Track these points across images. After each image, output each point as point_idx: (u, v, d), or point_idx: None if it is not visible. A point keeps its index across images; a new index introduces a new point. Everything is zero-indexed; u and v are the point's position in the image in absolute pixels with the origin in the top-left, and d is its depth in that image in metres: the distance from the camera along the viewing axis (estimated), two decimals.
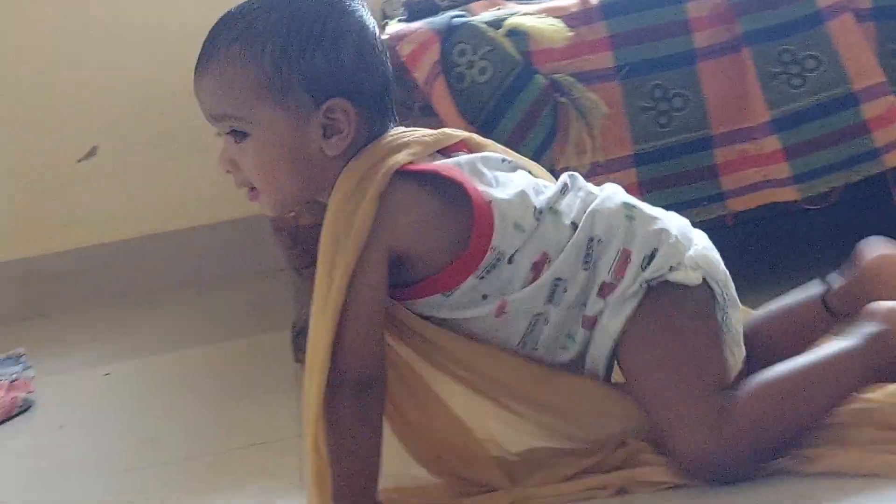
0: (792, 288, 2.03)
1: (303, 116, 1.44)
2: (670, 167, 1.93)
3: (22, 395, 2.14)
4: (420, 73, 1.91)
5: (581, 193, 1.51)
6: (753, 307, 1.89)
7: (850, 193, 1.96)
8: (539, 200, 1.47)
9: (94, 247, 2.72)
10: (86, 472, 1.83)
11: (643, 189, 1.91)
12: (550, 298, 1.45)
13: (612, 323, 1.45)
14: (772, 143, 1.92)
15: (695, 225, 1.93)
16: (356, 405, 1.41)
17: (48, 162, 2.71)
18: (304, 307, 2.03)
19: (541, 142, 1.91)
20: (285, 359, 2.06)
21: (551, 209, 1.47)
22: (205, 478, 1.72)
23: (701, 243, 1.53)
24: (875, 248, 1.63)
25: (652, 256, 1.46)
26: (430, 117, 1.93)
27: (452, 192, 1.44)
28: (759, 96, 1.91)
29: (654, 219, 1.50)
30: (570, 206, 1.49)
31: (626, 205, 1.49)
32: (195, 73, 1.48)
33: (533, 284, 1.45)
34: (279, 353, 2.11)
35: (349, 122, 1.45)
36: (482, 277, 1.44)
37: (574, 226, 1.47)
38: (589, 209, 1.48)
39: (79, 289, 2.71)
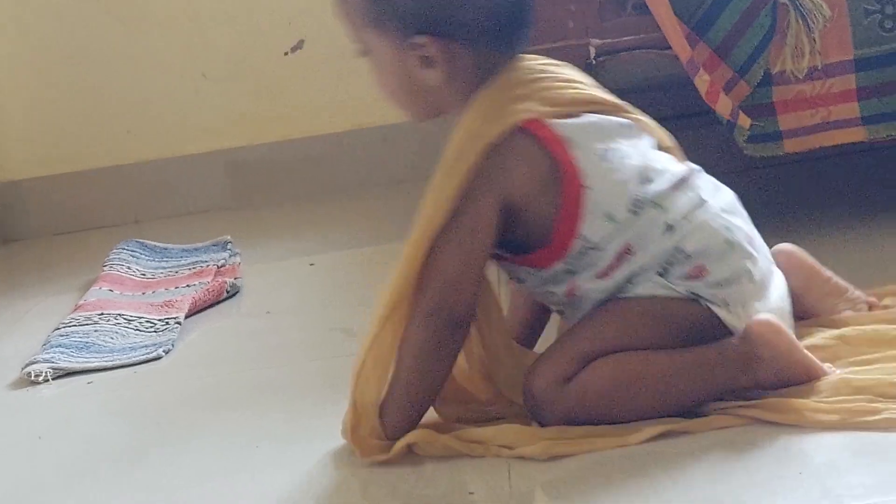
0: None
1: (399, 47, 1.44)
2: (893, 74, 1.86)
3: (230, 280, 2.20)
4: None
5: (692, 195, 1.44)
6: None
7: None
8: (642, 191, 1.42)
9: (300, 140, 2.76)
10: (291, 356, 1.87)
11: (862, 96, 1.85)
12: (618, 290, 1.44)
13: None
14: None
15: None
16: (444, 337, 1.43)
17: (256, 54, 2.75)
18: None
19: (757, 43, 1.86)
20: None
21: (655, 203, 1.42)
22: None
23: (776, 294, 1.47)
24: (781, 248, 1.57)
25: (721, 285, 1.42)
26: (644, 14, 1.90)
27: (555, 168, 1.42)
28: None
29: (749, 255, 1.44)
30: (675, 206, 1.43)
31: (728, 229, 1.44)
32: None
33: (608, 279, 1.43)
34: None
35: (441, 57, 1.44)
36: (569, 261, 1.43)
37: (670, 228, 1.42)
38: (694, 220, 1.43)
39: (285, 181, 2.77)
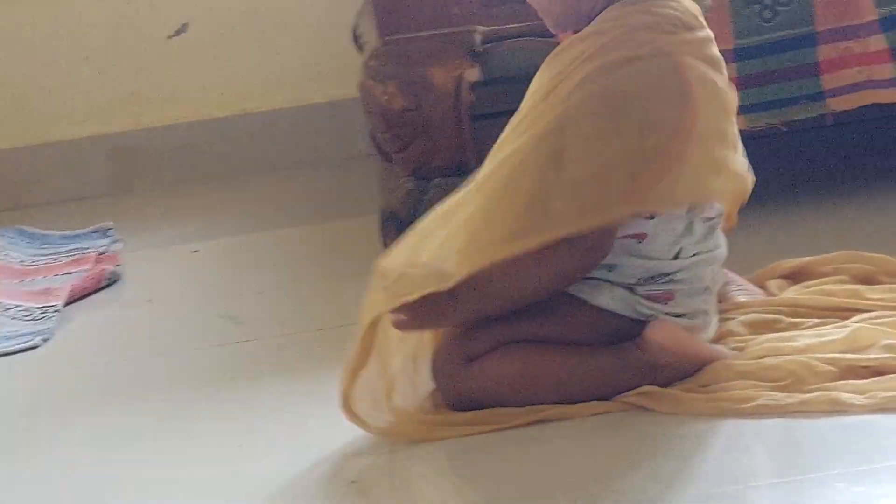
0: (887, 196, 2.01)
1: None
2: (771, 63, 1.90)
3: (111, 267, 2.16)
4: None
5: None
6: (845, 215, 1.87)
7: None
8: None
9: (183, 125, 2.72)
10: (171, 345, 1.85)
11: (742, 85, 1.88)
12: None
13: None
14: (877, 43, 1.88)
15: (793, 123, 1.92)
16: (581, 274, 1.41)
17: (139, 38, 2.71)
18: (391, 192, 2.04)
19: None
20: (371, 244, 2.05)
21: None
22: (293, 357, 1.74)
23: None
24: None
25: (678, 315, 1.44)
26: (527, 5, 1.90)
27: None
28: None
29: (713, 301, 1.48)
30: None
31: (714, 278, 1.47)
32: None
33: None
34: (364, 238, 2.11)
35: None
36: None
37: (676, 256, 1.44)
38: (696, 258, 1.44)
39: (167, 166, 2.73)
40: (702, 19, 1.45)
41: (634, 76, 1.39)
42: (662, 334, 1.40)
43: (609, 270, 1.42)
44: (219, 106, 2.73)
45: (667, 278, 1.43)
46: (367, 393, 1.45)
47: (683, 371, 1.41)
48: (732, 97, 1.47)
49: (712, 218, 1.45)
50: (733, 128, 1.45)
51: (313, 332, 1.80)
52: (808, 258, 1.66)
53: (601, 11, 1.44)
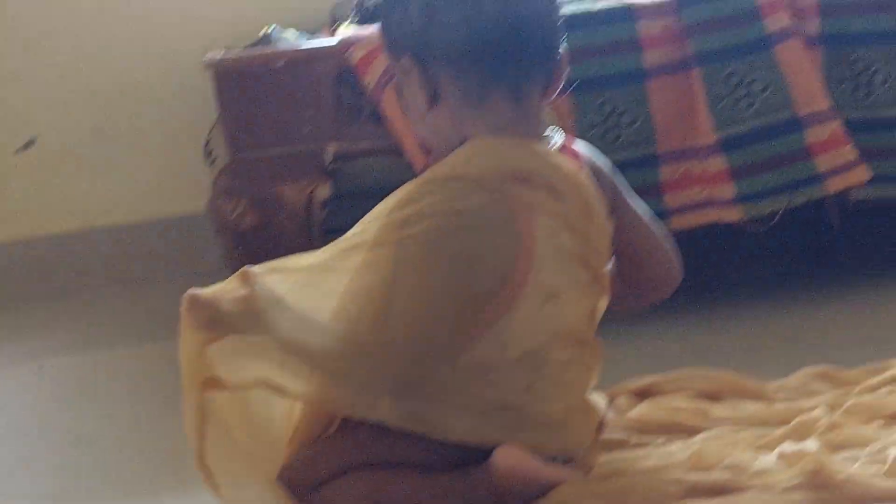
0: (728, 308, 2.07)
1: (400, 72, 1.45)
2: None
3: None
4: (370, 79, 1.91)
5: None
6: (689, 325, 1.92)
7: (790, 216, 1.98)
8: None
9: (29, 240, 2.68)
10: (13, 471, 1.79)
11: None
12: None
13: None
14: (717, 164, 1.94)
15: None
16: None
17: None
18: None
19: None
20: None
21: None
22: (138, 484, 1.71)
23: None
24: None
25: None
26: (379, 123, 1.93)
27: None
28: (707, 117, 1.94)
29: None
30: None
31: None
32: None
33: None
34: None
35: (423, 82, 1.41)
36: None
37: None
38: None
39: (12, 282, 2.67)
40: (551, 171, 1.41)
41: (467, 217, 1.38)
42: (509, 460, 1.39)
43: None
44: (65, 221, 2.70)
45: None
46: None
47: (532, 495, 1.41)
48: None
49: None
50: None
51: (162, 457, 1.77)
52: (654, 376, 1.68)
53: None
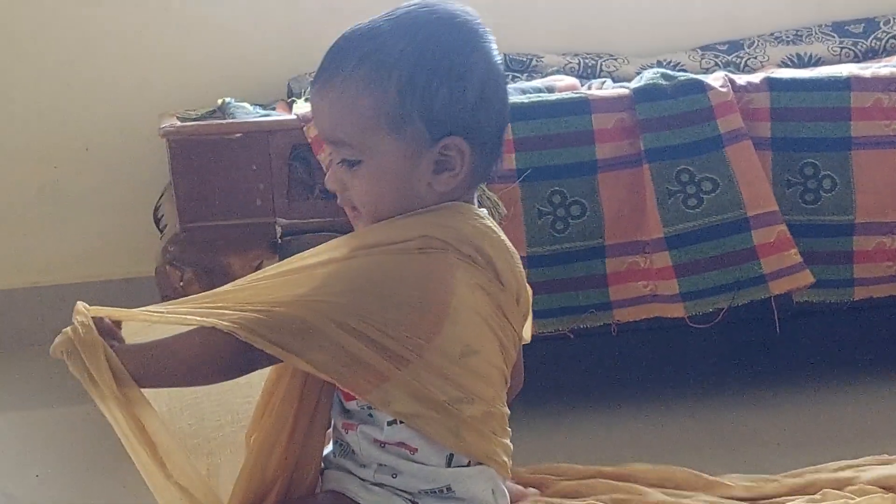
0: (667, 403, 2.09)
1: (417, 150, 1.39)
2: (561, 272, 1.96)
3: None
4: (324, 156, 1.93)
5: None
6: (628, 419, 1.93)
7: (735, 315, 2.01)
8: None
9: None
10: None
11: (533, 291, 1.93)
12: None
13: None
14: (662, 259, 1.97)
15: (580, 332, 1.99)
16: None
17: None
18: None
19: None
20: None
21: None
22: None
23: None
24: None
25: None
26: (330, 199, 1.94)
27: None
28: (655, 212, 1.96)
29: None
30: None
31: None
32: (313, 87, 1.43)
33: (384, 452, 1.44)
34: None
35: (462, 162, 1.40)
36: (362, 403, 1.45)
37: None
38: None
39: None
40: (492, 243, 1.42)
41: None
42: None
43: (393, 477, 1.42)
44: (9, 277, 2.68)
45: (447, 493, 1.42)
46: None
47: None
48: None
49: None
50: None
51: None
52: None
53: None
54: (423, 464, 1.40)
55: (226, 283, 1.91)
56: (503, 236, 1.44)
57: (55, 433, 2.15)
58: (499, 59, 1.45)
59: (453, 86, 1.40)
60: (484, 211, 1.45)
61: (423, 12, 1.43)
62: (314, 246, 2.00)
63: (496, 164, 1.48)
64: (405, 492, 1.41)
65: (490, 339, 1.40)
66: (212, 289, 1.88)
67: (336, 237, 1.93)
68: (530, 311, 1.49)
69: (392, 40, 1.40)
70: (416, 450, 1.40)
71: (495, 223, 1.45)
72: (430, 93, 1.39)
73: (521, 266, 1.45)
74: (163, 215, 2.37)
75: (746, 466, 1.81)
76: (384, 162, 1.40)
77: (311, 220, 1.97)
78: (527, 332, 1.51)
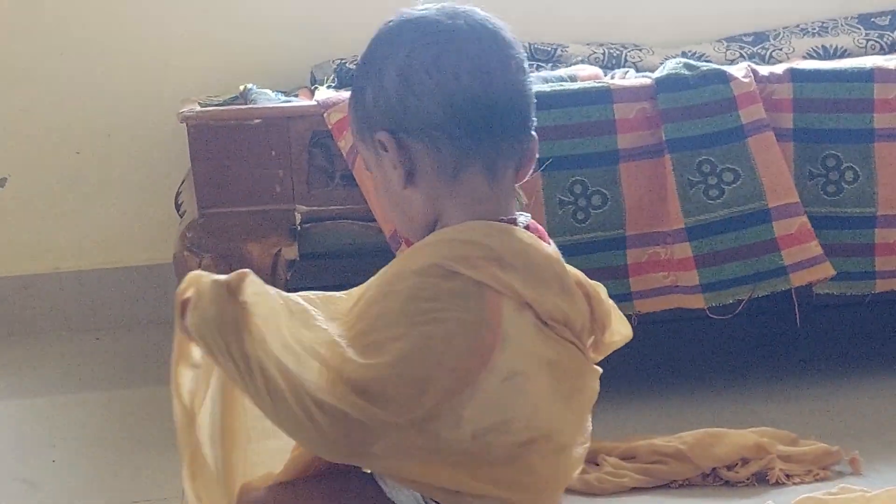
0: (687, 394, 2.08)
1: (374, 153, 1.41)
2: (581, 263, 1.91)
3: None
4: (345, 143, 1.92)
5: None
6: (646, 410, 1.92)
7: (755, 306, 2.00)
8: None
9: None
10: None
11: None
12: None
13: None
14: (683, 250, 1.96)
15: None
16: None
17: None
18: None
19: None
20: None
21: None
22: None
23: None
24: None
25: None
26: (350, 187, 1.94)
27: None
28: (676, 203, 1.95)
29: None
30: None
31: None
32: None
33: None
34: (169, 409, 2.08)
35: (399, 157, 1.38)
36: None
37: None
38: None
39: None
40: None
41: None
42: None
43: None
44: (31, 262, 2.69)
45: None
46: None
47: None
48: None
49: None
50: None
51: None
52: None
53: (435, 225, 1.42)
54: None
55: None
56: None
57: (73, 418, 2.15)
58: (433, 50, 1.40)
59: (374, 82, 1.41)
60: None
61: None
62: (333, 234, 2.02)
63: (492, 149, 1.44)
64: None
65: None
66: None
67: (353, 225, 1.96)
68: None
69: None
70: None
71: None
72: (361, 94, 1.41)
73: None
74: (183, 202, 2.37)
75: None
76: (369, 166, 1.44)
77: (331, 208, 1.97)
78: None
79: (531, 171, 1.47)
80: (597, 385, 1.43)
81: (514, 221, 1.43)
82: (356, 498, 1.42)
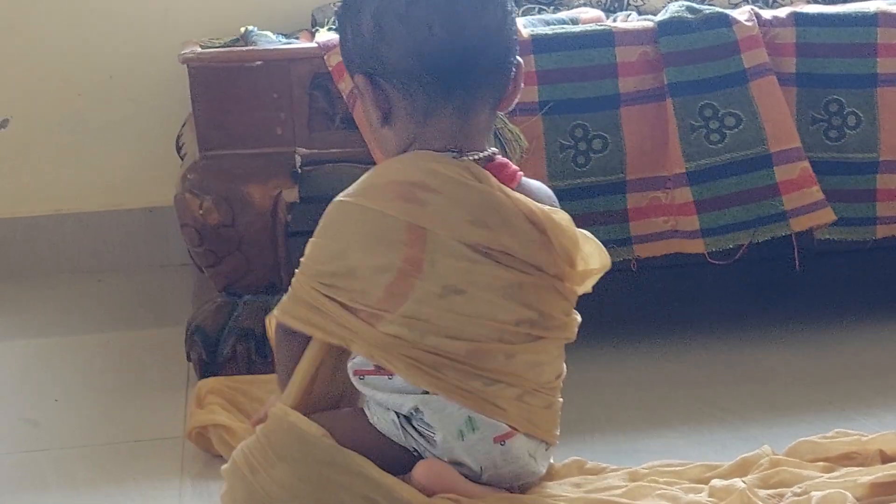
0: (686, 339, 2.08)
1: (355, 88, 1.51)
2: (581, 207, 1.95)
3: None
4: (345, 85, 1.91)
5: None
6: (646, 354, 1.93)
7: (755, 252, 1.99)
8: None
9: None
10: None
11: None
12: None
13: None
14: (683, 195, 1.95)
15: None
16: None
17: None
18: (201, 304, 2.03)
19: None
20: (177, 355, 2.04)
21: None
22: (83, 470, 1.70)
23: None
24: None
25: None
26: (350, 130, 1.93)
27: None
28: (677, 147, 1.95)
29: None
30: None
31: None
32: None
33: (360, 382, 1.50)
34: (172, 349, 2.09)
35: (364, 95, 1.47)
36: None
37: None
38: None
39: None
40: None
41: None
42: (428, 476, 1.41)
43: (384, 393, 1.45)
44: (33, 204, 2.69)
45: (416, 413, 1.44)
46: None
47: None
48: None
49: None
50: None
51: (106, 446, 1.77)
52: None
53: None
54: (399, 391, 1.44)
55: (245, 213, 1.93)
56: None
57: (75, 359, 2.16)
58: None
59: (352, 25, 1.47)
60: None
61: None
62: (333, 177, 2.01)
63: (464, 92, 1.46)
64: (392, 408, 1.45)
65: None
66: (231, 217, 1.91)
67: (354, 168, 1.96)
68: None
69: None
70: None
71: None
72: (343, 37, 1.49)
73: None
74: (183, 143, 2.37)
75: (761, 402, 1.82)
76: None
77: (332, 151, 1.96)
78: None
79: (515, 99, 1.52)
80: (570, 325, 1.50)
81: (480, 157, 1.47)
82: (344, 418, 1.47)
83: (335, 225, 1.48)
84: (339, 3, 1.52)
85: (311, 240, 1.50)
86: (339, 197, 1.50)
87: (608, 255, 1.50)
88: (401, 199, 1.43)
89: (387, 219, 1.43)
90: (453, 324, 1.41)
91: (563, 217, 1.47)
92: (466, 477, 1.43)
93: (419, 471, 1.41)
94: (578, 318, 1.51)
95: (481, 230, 1.42)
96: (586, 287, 1.50)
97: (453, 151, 1.47)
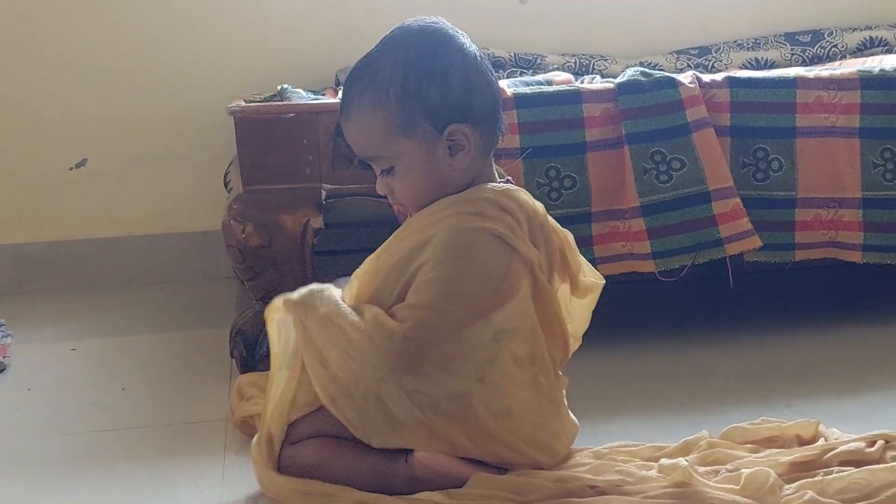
0: (640, 342, 2.07)
1: (430, 143, 1.41)
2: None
3: None
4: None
5: None
6: (608, 355, 1.91)
7: (696, 271, 1.98)
8: None
9: (76, 241, 2.67)
10: (44, 429, 1.78)
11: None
12: None
13: None
14: (638, 224, 1.94)
15: None
16: None
17: (47, 167, 2.66)
18: (243, 311, 2.01)
19: None
20: (222, 353, 2.03)
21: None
22: (143, 446, 1.69)
23: None
24: None
25: None
26: (366, 170, 1.92)
27: None
28: (633, 185, 1.94)
29: None
30: None
31: None
32: (341, 121, 1.47)
33: None
34: (218, 348, 2.08)
35: (469, 140, 1.43)
36: None
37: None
38: None
39: (59, 274, 2.66)
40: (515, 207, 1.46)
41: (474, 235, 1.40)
42: (429, 455, 1.39)
43: None
44: (108, 227, 2.69)
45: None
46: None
47: (446, 486, 1.38)
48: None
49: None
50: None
51: (162, 427, 1.76)
52: None
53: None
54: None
55: (280, 237, 1.92)
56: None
57: (140, 355, 2.15)
58: (473, 49, 1.46)
59: (440, 83, 1.40)
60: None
61: (401, 32, 1.45)
62: (352, 208, 2.00)
63: (500, 130, 1.48)
64: None
65: None
66: (268, 240, 1.90)
67: (368, 201, 1.95)
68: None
69: (383, 62, 1.41)
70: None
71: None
72: (423, 95, 1.40)
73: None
74: (230, 180, 2.36)
75: (701, 394, 1.81)
76: (410, 161, 1.42)
77: (351, 186, 1.95)
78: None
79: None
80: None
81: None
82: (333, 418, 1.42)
83: None
84: (404, 74, 1.41)
85: None
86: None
87: (600, 275, 1.56)
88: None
89: None
90: None
91: (568, 233, 1.54)
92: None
93: (421, 457, 1.38)
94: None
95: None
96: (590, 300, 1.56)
97: (505, 180, 1.49)
